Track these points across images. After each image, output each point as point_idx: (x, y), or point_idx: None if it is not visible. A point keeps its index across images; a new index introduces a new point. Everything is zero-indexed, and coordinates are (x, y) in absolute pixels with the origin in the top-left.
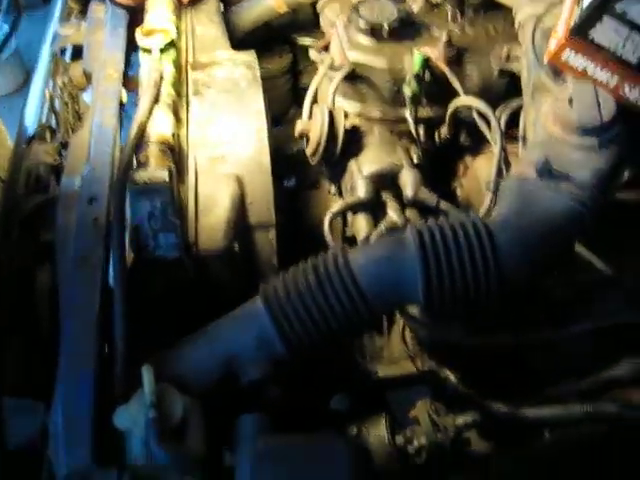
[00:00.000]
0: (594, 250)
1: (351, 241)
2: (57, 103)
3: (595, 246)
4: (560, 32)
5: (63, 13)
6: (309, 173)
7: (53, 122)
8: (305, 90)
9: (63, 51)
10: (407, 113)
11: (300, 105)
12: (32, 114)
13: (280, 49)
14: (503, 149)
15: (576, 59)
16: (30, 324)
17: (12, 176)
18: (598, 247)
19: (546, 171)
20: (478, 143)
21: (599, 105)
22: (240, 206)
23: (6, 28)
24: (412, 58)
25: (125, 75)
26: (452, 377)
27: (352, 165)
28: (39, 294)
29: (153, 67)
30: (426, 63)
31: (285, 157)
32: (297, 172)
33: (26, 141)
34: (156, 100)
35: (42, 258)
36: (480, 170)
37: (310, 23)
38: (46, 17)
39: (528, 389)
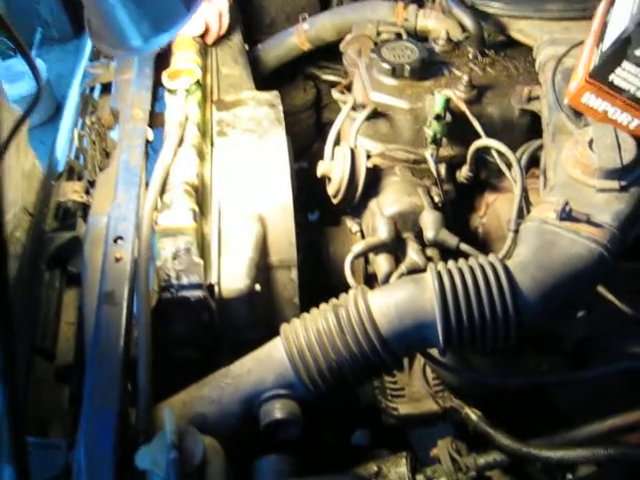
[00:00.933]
0: (616, 290)
1: (372, 277)
2: (85, 141)
3: (617, 286)
4: (580, 74)
5: (93, 51)
6: (332, 209)
7: (81, 159)
8: (328, 124)
9: (92, 89)
10: (428, 153)
11: (323, 139)
12: (61, 151)
13: (304, 84)
14: (524, 189)
15: (596, 101)
16: (53, 355)
17: (41, 211)
18: (620, 287)
19: (566, 213)
20: (499, 181)
21: (619, 147)
22: (262, 245)
23: (40, 63)
24: (433, 98)
25: (152, 113)
26: (473, 416)
27: (373, 205)
28: (63, 326)
29: (178, 108)
30: (447, 104)
31: (309, 192)
32: (320, 206)
33: (55, 177)
34: (181, 141)
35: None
36: (501, 209)
37: (334, 59)
38: (76, 50)
39: (551, 429)
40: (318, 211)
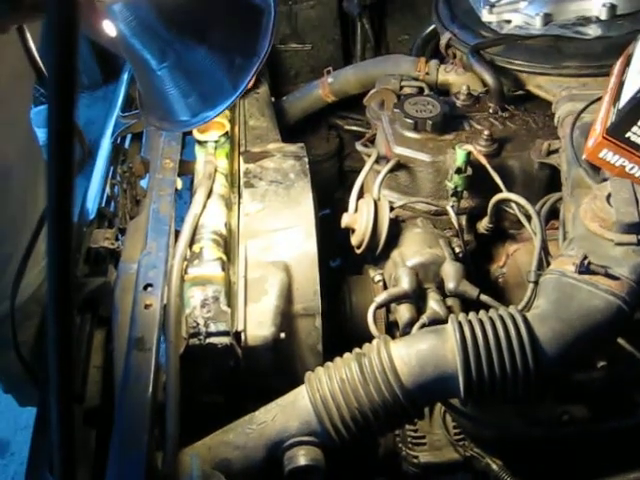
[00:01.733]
0: (636, 343)
1: (394, 326)
2: (117, 189)
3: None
4: (598, 131)
5: (125, 101)
6: (354, 257)
7: (112, 207)
8: (350, 172)
9: (124, 139)
10: (449, 206)
11: (345, 187)
12: (93, 198)
13: (327, 134)
14: (543, 241)
15: (613, 157)
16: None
17: (73, 257)
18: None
19: (585, 266)
20: (519, 232)
21: (637, 202)
22: (287, 294)
23: None
24: (454, 152)
25: (181, 162)
26: (494, 465)
27: (396, 256)
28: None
29: (208, 160)
30: (468, 158)
31: (330, 239)
32: (342, 253)
33: (87, 224)
34: (210, 192)
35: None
36: (521, 260)
37: (355, 109)
38: (105, 96)
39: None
40: (340, 258)
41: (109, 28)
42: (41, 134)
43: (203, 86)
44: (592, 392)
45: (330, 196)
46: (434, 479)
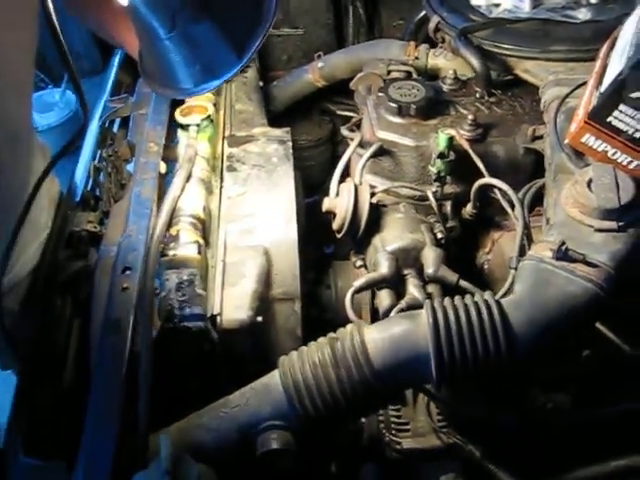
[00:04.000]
0: (615, 328)
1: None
2: (102, 174)
3: (617, 324)
4: (580, 115)
5: (114, 86)
6: (344, 243)
7: (97, 191)
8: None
9: (112, 122)
10: (430, 191)
11: None
12: (79, 181)
13: (319, 120)
14: (526, 228)
15: (596, 142)
16: (56, 380)
17: (56, 239)
18: (620, 324)
19: (562, 252)
20: (505, 218)
21: (618, 187)
22: (266, 278)
23: (70, 95)
24: (437, 137)
25: (167, 147)
26: (476, 452)
27: (376, 241)
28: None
29: (189, 144)
30: (450, 142)
31: (324, 225)
32: (335, 240)
33: (71, 207)
34: (190, 175)
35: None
36: (506, 246)
37: (349, 95)
38: (102, 82)
39: (554, 467)
40: (334, 244)
41: None
42: (39, 119)
43: (208, 56)
44: (576, 381)
45: (323, 181)
46: (417, 465)
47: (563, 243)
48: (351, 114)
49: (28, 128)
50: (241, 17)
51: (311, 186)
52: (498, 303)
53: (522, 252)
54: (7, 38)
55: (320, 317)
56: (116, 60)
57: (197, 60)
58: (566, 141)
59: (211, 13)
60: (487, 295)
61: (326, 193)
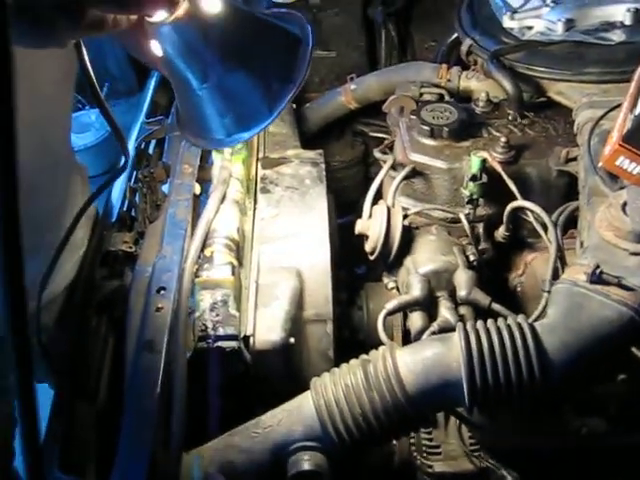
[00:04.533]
0: None
1: (409, 334)
2: (137, 194)
3: None
4: (614, 138)
5: (150, 107)
6: (376, 264)
7: (133, 211)
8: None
9: (148, 144)
10: (462, 214)
11: None
12: (115, 202)
13: (352, 141)
14: (559, 250)
15: (630, 165)
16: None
17: (92, 259)
18: None
19: (597, 276)
20: (538, 241)
21: None
22: (299, 299)
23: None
24: (470, 159)
25: (202, 168)
26: (509, 477)
27: (409, 263)
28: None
29: (223, 166)
30: (483, 165)
31: (355, 246)
32: (367, 261)
33: (107, 227)
34: (224, 197)
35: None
36: (539, 269)
37: (381, 117)
38: (138, 103)
39: None
40: (365, 265)
41: (156, 48)
42: (76, 139)
43: (240, 108)
44: (612, 406)
45: (354, 202)
46: None
47: (597, 266)
48: (383, 136)
49: (67, 151)
50: (274, 71)
51: (343, 207)
52: (532, 327)
53: (555, 275)
54: (48, 65)
55: (351, 338)
56: (152, 82)
57: (229, 111)
58: (600, 164)
59: (245, 64)
60: (520, 319)
61: (358, 214)
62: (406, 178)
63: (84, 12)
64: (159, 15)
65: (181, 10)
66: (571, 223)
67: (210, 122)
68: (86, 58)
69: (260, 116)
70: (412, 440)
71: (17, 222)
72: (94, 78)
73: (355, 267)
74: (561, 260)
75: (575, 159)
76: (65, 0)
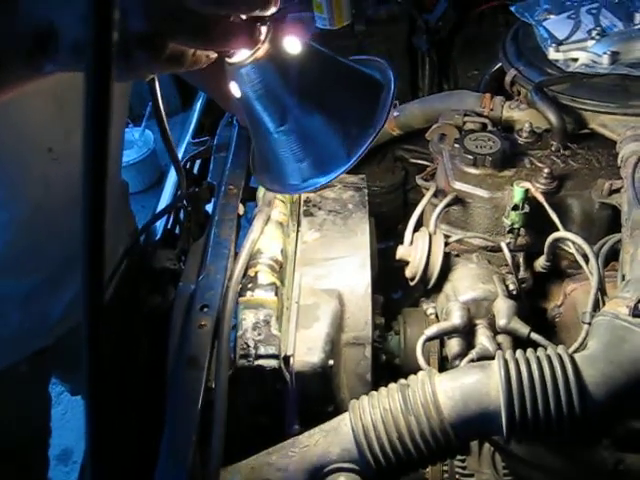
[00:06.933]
0: None
1: (447, 360)
2: (182, 213)
3: None
4: None
5: (196, 127)
6: (413, 290)
7: (177, 229)
8: (414, 205)
9: (193, 163)
10: (504, 243)
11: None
12: (160, 220)
13: (393, 166)
14: (600, 283)
15: None
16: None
17: (136, 275)
18: None
19: (639, 310)
20: (578, 272)
21: None
22: (339, 322)
23: (149, 134)
24: (513, 189)
25: (246, 189)
26: None
27: (448, 290)
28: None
29: None
30: (525, 195)
31: (393, 271)
32: (403, 286)
33: (152, 244)
34: (268, 219)
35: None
36: (579, 300)
37: (421, 143)
38: (182, 122)
39: None
40: (401, 290)
41: (234, 89)
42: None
43: (317, 152)
44: None
45: (394, 227)
46: None
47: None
48: (423, 162)
49: (117, 168)
50: (353, 116)
51: (382, 231)
52: (572, 358)
53: (596, 307)
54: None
55: (387, 362)
56: (199, 103)
57: (307, 155)
58: None
59: (324, 108)
60: (560, 349)
61: (399, 240)
62: (448, 206)
63: (165, 46)
64: (239, 55)
65: (261, 51)
66: (613, 256)
67: (286, 166)
68: (157, 88)
69: (338, 161)
70: (445, 467)
71: (101, 240)
72: (161, 105)
73: (391, 292)
74: (602, 292)
75: (618, 191)
76: (147, 33)
